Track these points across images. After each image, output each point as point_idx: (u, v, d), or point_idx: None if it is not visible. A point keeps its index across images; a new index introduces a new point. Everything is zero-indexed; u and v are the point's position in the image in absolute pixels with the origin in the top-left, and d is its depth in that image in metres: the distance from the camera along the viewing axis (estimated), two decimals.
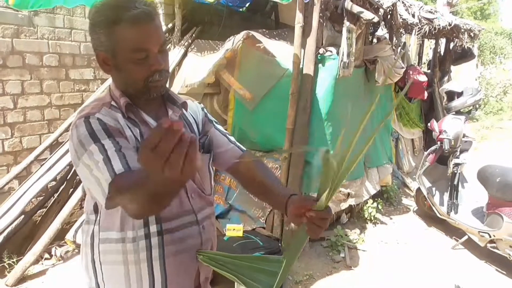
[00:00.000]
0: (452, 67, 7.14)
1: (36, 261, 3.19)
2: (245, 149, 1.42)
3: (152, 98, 1.16)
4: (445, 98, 4.15)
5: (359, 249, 3.77)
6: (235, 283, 3.19)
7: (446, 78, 6.86)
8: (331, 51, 3.35)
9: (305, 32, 3.11)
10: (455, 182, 3.90)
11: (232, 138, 1.42)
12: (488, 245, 3.50)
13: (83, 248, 1.24)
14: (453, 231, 4.08)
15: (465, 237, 3.78)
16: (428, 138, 6.40)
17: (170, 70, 3.61)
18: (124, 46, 1.07)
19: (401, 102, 5.32)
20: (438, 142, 3.90)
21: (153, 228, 1.13)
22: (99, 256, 1.17)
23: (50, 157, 3.52)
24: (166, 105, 1.26)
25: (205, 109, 1.41)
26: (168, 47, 3.93)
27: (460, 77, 8.98)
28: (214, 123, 1.41)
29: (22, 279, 3.02)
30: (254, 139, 3.49)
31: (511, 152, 7.53)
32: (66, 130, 3.53)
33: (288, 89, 3.12)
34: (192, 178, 1.26)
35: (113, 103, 1.15)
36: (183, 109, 1.28)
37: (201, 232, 1.24)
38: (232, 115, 3.49)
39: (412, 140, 5.97)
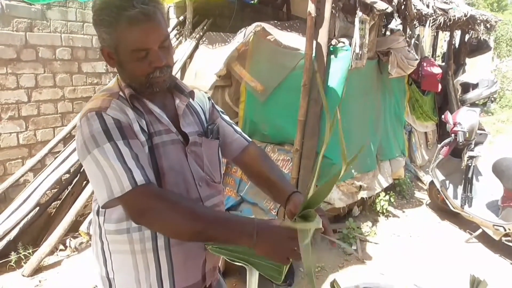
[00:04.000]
0: (467, 60, 7.00)
1: (51, 252, 3.25)
2: (250, 140, 1.44)
3: (157, 91, 1.17)
4: (460, 90, 4.07)
5: (371, 242, 3.75)
6: (247, 274, 3.17)
7: (460, 71, 6.74)
8: (343, 42, 3.31)
9: (317, 23, 3.07)
10: (470, 175, 3.85)
11: (238, 129, 1.44)
12: (503, 238, 3.46)
13: (94, 237, 1.25)
14: (466, 225, 4.03)
15: (479, 231, 3.73)
16: (442, 132, 6.30)
17: (182, 63, 3.67)
18: (124, 46, 1.08)
19: (414, 95, 5.25)
20: (452, 135, 3.84)
21: None
22: (109, 245, 1.19)
23: (64, 150, 3.57)
24: (173, 94, 1.26)
25: (211, 99, 1.43)
26: (179, 39, 3.93)
27: (475, 70, 8.81)
28: (220, 113, 1.42)
29: (38, 269, 3.08)
30: (266, 131, 3.48)
31: None
32: None
33: (300, 81, 3.09)
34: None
35: (121, 93, 1.16)
36: (190, 98, 1.29)
37: None
38: (243, 107, 3.48)
39: (426, 133, 5.89)
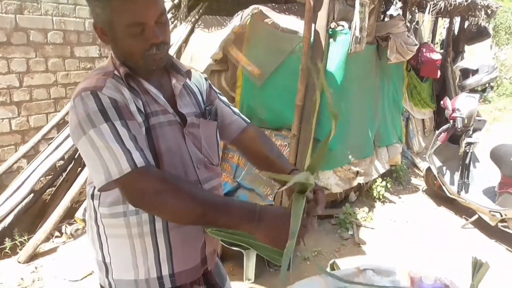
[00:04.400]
0: (466, 47, 6.95)
1: (47, 239, 3.22)
2: (249, 121, 1.41)
3: (153, 70, 1.13)
4: (460, 75, 4.03)
5: (367, 227, 3.75)
6: (244, 258, 3.16)
7: (459, 58, 6.69)
8: (343, 26, 3.26)
9: (316, 6, 3.01)
10: (467, 162, 3.84)
11: (236, 110, 1.41)
12: (499, 224, 3.47)
13: (89, 222, 1.22)
14: (463, 211, 4.04)
15: (475, 216, 3.74)
16: (439, 119, 6.28)
17: (177, 47, 3.61)
18: (118, 20, 1.04)
19: (412, 81, 5.22)
20: (451, 121, 3.82)
21: None
22: (104, 229, 1.16)
23: (58, 136, 3.51)
24: (169, 73, 1.22)
25: (208, 80, 1.39)
26: (174, 23, 3.85)
27: (474, 57, 8.77)
28: (218, 93, 1.39)
29: (34, 256, 3.06)
30: (263, 116, 3.44)
31: None
32: None
33: (298, 65, 3.04)
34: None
35: (115, 72, 1.12)
36: (187, 78, 1.25)
37: None
38: (240, 92, 3.43)
39: (423, 120, 5.87)
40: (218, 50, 3.13)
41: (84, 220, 3.32)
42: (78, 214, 3.33)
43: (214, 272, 1.35)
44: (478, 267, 1.17)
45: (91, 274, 2.89)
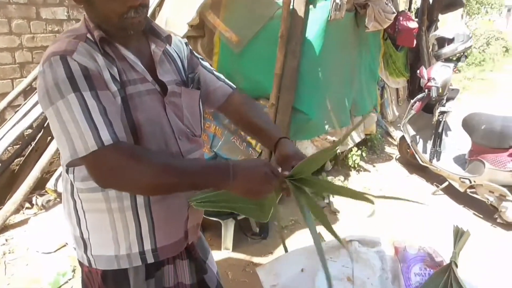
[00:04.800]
0: (440, 16, 6.98)
1: (17, 211, 3.12)
2: (234, 86, 1.37)
3: (131, 34, 1.05)
4: (436, 44, 4.06)
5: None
6: (222, 228, 3.16)
7: (433, 27, 6.73)
8: None
9: None
10: (440, 130, 3.94)
11: (220, 75, 1.36)
12: (468, 190, 3.61)
13: (64, 195, 1.16)
14: (434, 178, 4.17)
15: (446, 183, 3.87)
16: (412, 88, 6.38)
17: (150, 11, 3.42)
18: None
19: (388, 50, 5.22)
20: (426, 90, 3.87)
21: None
22: (82, 204, 1.11)
23: (25, 103, 3.33)
24: (148, 38, 1.14)
25: (189, 45, 1.32)
26: None
27: (449, 26, 8.87)
28: (200, 59, 1.33)
29: (4, 228, 2.96)
30: (241, 85, 3.35)
31: (491, 102, 7.65)
32: None
33: (277, 32, 2.96)
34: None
35: (88, 35, 1.03)
36: (167, 44, 1.17)
37: None
38: (217, 60, 3.32)
39: (397, 89, 5.94)
40: (195, 15, 2.99)
41: (55, 191, 3.22)
42: (49, 185, 3.22)
43: (197, 246, 1.33)
44: (459, 235, 1.20)
45: (65, 246, 2.84)
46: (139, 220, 1.09)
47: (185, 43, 1.30)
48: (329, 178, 3.91)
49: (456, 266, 1.13)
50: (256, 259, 2.85)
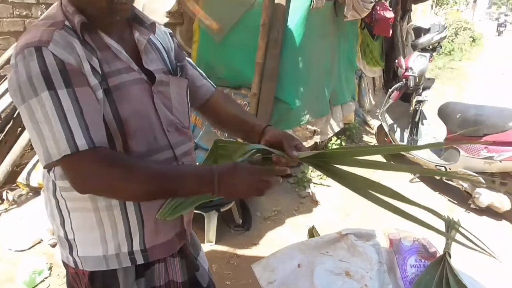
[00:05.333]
0: (412, 6, 7.11)
1: None
2: (215, 85, 1.33)
3: (116, 21, 0.98)
4: (413, 34, 4.11)
5: (323, 185, 3.85)
6: (205, 220, 3.10)
7: (406, 17, 6.84)
8: None
9: None
10: (416, 119, 4.01)
11: (203, 73, 1.31)
12: (443, 178, 3.70)
13: (46, 194, 1.08)
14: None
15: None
16: (387, 77, 6.48)
17: None
18: None
19: (366, 40, 5.26)
20: (403, 79, 3.92)
21: None
22: (66, 203, 1.03)
23: None
24: (131, 26, 1.08)
25: (175, 38, 1.26)
26: None
27: (417, 17, 9.03)
28: (185, 55, 1.27)
29: None
30: (222, 75, 3.31)
31: (461, 90, 7.87)
32: (7, 62, 3.13)
33: (259, 20, 2.91)
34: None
35: (66, 22, 0.94)
36: (152, 32, 1.11)
37: None
38: (196, 48, 3.25)
39: (373, 78, 6.01)
40: (174, 2, 2.89)
41: (28, 185, 3.09)
42: (21, 179, 3.09)
43: (189, 243, 1.29)
44: (452, 225, 1.21)
45: (39, 242, 2.73)
46: (127, 218, 1.03)
47: (170, 34, 1.24)
48: (310, 168, 3.92)
49: (450, 256, 1.14)
50: (240, 251, 2.83)
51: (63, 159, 0.86)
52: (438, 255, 1.18)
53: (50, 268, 2.48)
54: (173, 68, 1.15)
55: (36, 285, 2.36)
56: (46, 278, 2.42)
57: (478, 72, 9.99)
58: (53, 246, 2.67)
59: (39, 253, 2.62)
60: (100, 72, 0.94)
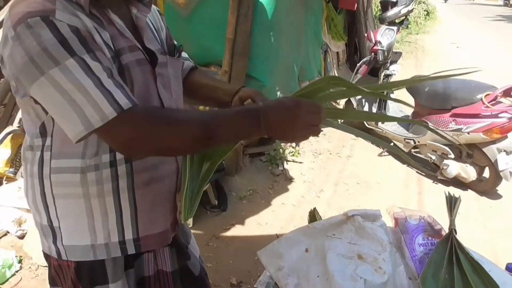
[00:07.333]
0: None
1: None
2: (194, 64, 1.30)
3: None
4: (380, 8, 4.11)
5: (296, 162, 3.84)
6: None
7: None
8: None
9: None
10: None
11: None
12: (412, 150, 3.81)
13: (28, 180, 0.99)
14: (378, 141, 4.33)
15: (391, 144, 4.04)
16: (349, 51, 6.51)
17: None
18: None
19: (330, 13, 5.21)
20: (372, 53, 3.93)
21: (120, 155, 0.94)
22: (51, 188, 0.95)
23: None
24: (127, 2, 0.99)
25: (163, 16, 1.18)
26: None
27: None
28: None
29: None
30: (189, 51, 3.10)
31: (420, 64, 8.10)
32: None
33: None
34: None
35: None
36: (149, 9, 1.03)
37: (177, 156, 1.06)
38: None
39: (337, 53, 6.01)
40: None
41: None
42: None
43: (179, 231, 1.22)
44: (453, 202, 1.20)
45: (6, 235, 2.55)
46: (120, 206, 0.97)
47: (159, 12, 1.17)
48: (282, 144, 3.89)
49: (456, 233, 1.13)
50: (218, 233, 2.79)
51: (108, 123, 0.78)
52: (443, 232, 1.17)
53: (20, 261, 2.35)
54: (169, 49, 1.08)
55: (7, 280, 2.22)
56: (17, 271, 2.29)
57: (435, 44, 10.32)
58: (21, 237, 2.51)
59: (7, 246, 2.46)
60: (112, 48, 0.88)
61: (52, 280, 1.08)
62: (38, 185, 0.96)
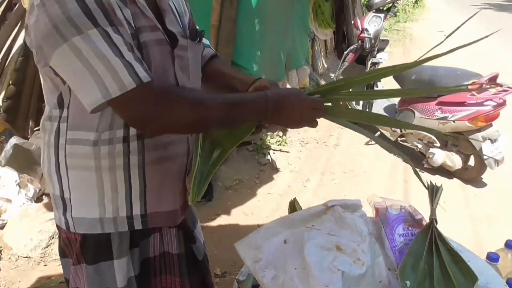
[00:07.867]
0: None
1: None
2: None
3: None
4: None
5: (283, 151, 3.82)
6: None
7: None
8: None
9: None
10: (371, 81, 4.02)
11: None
12: (399, 139, 3.81)
13: (45, 150, 1.02)
14: (366, 128, 4.31)
15: (378, 133, 4.03)
16: (337, 39, 6.47)
17: None
18: None
19: (317, 1, 5.14)
20: (359, 41, 3.89)
21: (133, 131, 0.96)
22: (65, 159, 0.98)
23: None
24: None
25: (187, 2, 1.17)
26: None
27: None
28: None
29: None
30: None
31: (408, 52, 8.10)
32: None
33: None
34: None
35: None
36: None
37: (188, 137, 1.08)
38: None
39: (325, 41, 5.96)
40: None
41: None
42: None
43: (187, 215, 1.22)
44: (435, 191, 1.19)
45: None
46: (130, 181, 0.99)
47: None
48: (269, 133, 3.87)
49: (436, 223, 1.12)
50: (204, 223, 2.75)
51: (124, 95, 0.80)
52: (424, 222, 1.15)
53: (0, 251, 2.28)
54: (190, 34, 1.09)
55: None
56: None
57: (423, 32, 10.32)
58: (1, 227, 2.46)
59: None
60: (133, 26, 0.89)
61: (61, 251, 1.10)
62: (53, 155, 0.99)
